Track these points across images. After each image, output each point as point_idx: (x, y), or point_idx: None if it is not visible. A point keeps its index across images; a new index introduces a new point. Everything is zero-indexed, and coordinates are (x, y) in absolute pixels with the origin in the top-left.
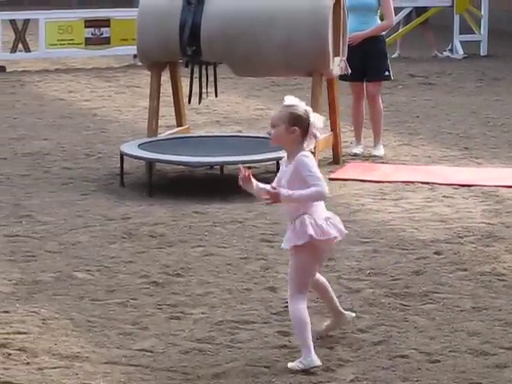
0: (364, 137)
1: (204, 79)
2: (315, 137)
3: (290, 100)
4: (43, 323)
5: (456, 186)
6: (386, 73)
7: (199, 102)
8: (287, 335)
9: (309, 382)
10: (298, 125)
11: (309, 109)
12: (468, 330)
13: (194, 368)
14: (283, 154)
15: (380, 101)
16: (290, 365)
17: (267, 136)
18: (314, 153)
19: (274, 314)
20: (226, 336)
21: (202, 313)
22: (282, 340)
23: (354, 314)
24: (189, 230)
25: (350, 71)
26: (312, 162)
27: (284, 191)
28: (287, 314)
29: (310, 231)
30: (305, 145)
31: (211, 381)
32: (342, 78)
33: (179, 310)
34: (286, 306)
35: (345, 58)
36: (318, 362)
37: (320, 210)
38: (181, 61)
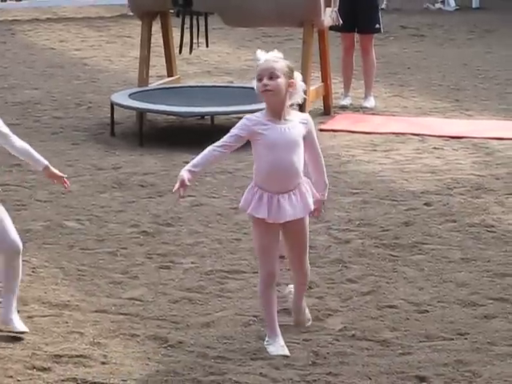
0: (354, 88)
1: (195, 29)
2: (303, 93)
3: (271, 53)
4: (33, 272)
5: (446, 138)
6: (377, 25)
7: (190, 52)
8: (276, 285)
9: (298, 331)
10: (293, 77)
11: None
12: (456, 281)
13: (183, 317)
14: None
15: (373, 53)
16: None
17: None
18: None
19: None
20: (216, 285)
21: (192, 262)
22: None
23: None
24: None
25: (341, 22)
26: None
27: (323, 194)
28: None
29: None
30: (288, 102)
31: (201, 329)
32: (333, 28)
33: (169, 260)
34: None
35: (336, 9)
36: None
37: None
38: (172, 10)
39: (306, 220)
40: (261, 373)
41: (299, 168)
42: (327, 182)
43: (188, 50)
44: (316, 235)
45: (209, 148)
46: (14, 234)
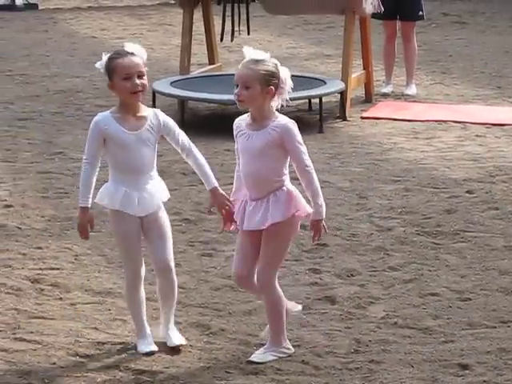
0: (396, 76)
1: (236, 17)
2: (285, 94)
3: (255, 53)
4: (76, 259)
5: (488, 125)
6: (420, 13)
7: (231, 40)
8: (318, 273)
9: (340, 318)
10: (273, 83)
11: (276, 61)
12: (499, 269)
13: (225, 304)
14: (315, 92)
15: (414, 40)
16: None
17: (236, 97)
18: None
19: (305, 251)
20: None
21: (234, 250)
22: (312, 277)
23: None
24: (220, 167)
25: (382, 9)
26: (298, 132)
27: (319, 212)
28: (318, 252)
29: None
30: (273, 104)
31: (242, 317)
32: (376, 16)
33: (211, 247)
34: (318, 244)
35: None
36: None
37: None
38: None
39: (272, 231)
40: (303, 360)
41: (265, 177)
42: (318, 200)
43: (229, 38)
44: (358, 223)
45: (235, 174)
46: (169, 252)
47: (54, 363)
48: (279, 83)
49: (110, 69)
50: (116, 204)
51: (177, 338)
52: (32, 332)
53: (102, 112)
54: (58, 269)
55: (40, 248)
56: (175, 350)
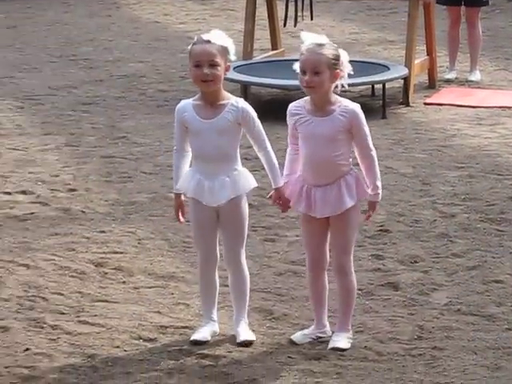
0: (459, 62)
1: (300, 2)
2: (345, 77)
3: (316, 37)
4: (139, 243)
5: None
6: None
7: (294, 25)
8: (381, 259)
9: (403, 305)
10: (338, 67)
11: (334, 44)
12: None
13: (288, 290)
14: (378, 77)
15: (479, 26)
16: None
17: (301, 84)
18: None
19: (368, 237)
20: None
21: (297, 235)
22: (375, 263)
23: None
24: (283, 153)
25: None
26: (363, 116)
27: (378, 195)
28: (381, 238)
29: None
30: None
31: (305, 302)
32: (440, 1)
33: (273, 233)
34: (381, 230)
35: None
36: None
37: None
38: None
39: (346, 215)
40: (365, 346)
41: (335, 162)
42: (378, 183)
43: (292, 23)
44: (421, 209)
45: (287, 157)
46: (238, 245)
47: (118, 346)
48: (342, 67)
49: (189, 54)
50: (189, 191)
51: (245, 334)
52: (96, 315)
53: (184, 99)
54: (121, 253)
55: (103, 232)
56: (243, 345)
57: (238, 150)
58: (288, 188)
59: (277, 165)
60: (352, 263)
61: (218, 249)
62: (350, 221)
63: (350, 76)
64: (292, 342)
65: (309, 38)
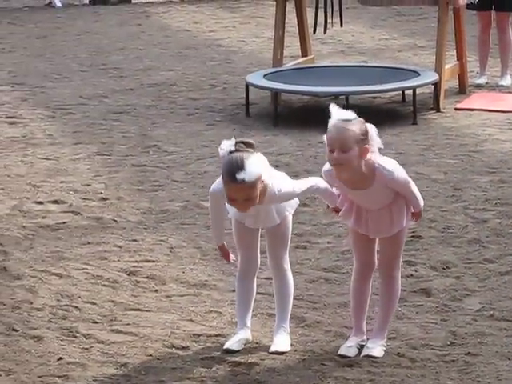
0: (490, 66)
1: (329, 9)
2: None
3: (343, 113)
4: (171, 251)
5: None
6: None
7: (324, 32)
8: (413, 265)
9: (436, 311)
10: (367, 141)
11: (362, 119)
12: None
13: (320, 297)
14: (408, 83)
15: (510, 31)
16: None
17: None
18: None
19: None
20: (352, 265)
21: (328, 242)
22: (408, 269)
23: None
24: (314, 160)
25: (476, 0)
26: (400, 169)
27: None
28: (413, 244)
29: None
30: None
31: (338, 309)
32: (470, 6)
33: (305, 240)
34: (413, 236)
35: None
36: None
37: None
38: None
39: (399, 233)
40: (398, 353)
41: (383, 203)
42: (421, 200)
43: (322, 30)
44: (453, 215)
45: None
46: (282, 252)
47: (151, 355)
48: (370, 140)
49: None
50: (231, 213)
51: (279, 345)
52: (128, 324)
53: (216, 185)
54: (153, 261)
55: (135, 240)
56: (276, 354)
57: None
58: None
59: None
60: (399, 270)
61: (259, 256)
62: (401, 235)
63: (378, 83)
64: (344, 357)
65: (336, 113)
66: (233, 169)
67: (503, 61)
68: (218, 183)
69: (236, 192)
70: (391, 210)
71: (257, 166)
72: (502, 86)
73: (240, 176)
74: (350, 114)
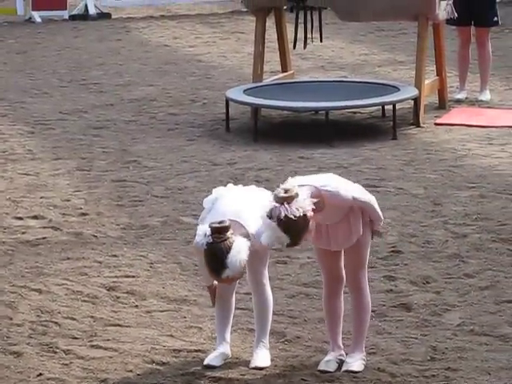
0: (470, 82)
1: (309, 24)
2: None
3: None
4: (151, 267)
5: None
6: (495, 18)
7: (304, 48)
8: (393, 280)
9: (416, 326)
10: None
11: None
12: None
13: (300, 312)
14: (388, 98)
15: (489, 47)
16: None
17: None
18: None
19: (380, 258)
20: None
21: (308, 257)
22: (387, 284)
23: None
24: (294, 175)
25: (456, 15)
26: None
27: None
28: (393, 259)
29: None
30: None
31: (318, 324)
32: (449, 22)
33: (285, 255)
34: (393, 251)
35: (451, 2)
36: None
37: None
38: (285, 6)
39: (359, 240)
40: (379, 368)
41: (339, 217)
42: (377, 215)
43: (302, 46)
44: (433, 230)
45: None
46: (258, 268)
47: (131, 370)
48: None
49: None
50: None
51: (259, 360)
52: (108, 339)
53: (199, 238)
54: (133, 276)
55: (115, 256)
56: (256, 369)
57: None
58: None
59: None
60: (366, 280)
61: None
62: (362, 242)
63: (358, 98)
64: (324, 372)
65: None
66: (216, 267)
67: (482, 76)
68: (200, 236)
69: (223, 282)
70: (349, 220)
71: (239, 257)
72: (482, 100)
73: (224, 274)
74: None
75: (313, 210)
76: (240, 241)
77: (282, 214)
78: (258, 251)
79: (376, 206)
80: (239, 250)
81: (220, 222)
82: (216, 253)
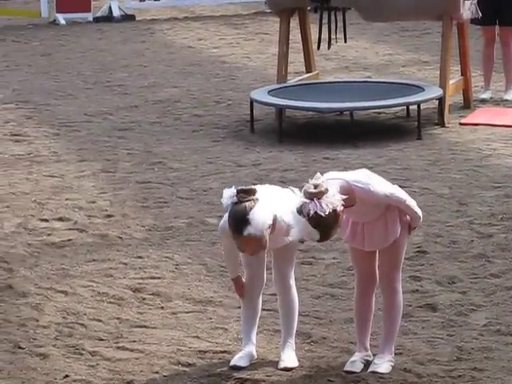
0: (494, 81)
1: (333, 25)
2: None
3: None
4: (176, 268)
5: None
6: None
7: (328, 48)
8: (419, 280)
9: (442, 326)
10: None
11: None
12: None
13: (326, 312)
14: (413, 98)
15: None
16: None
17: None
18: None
19: (406, 259)
20: None
21: (334, 258)
22: (413, 285)
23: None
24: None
25: (480, 15)
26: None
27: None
28: (419, 259)
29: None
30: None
31: (344, 325)
32: (474, 22)
33: (311, 256)
34: (418, 251)
35: (475, 2)
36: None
37: None
38: (309, 7)
39: (396, 242)
40: (405, 368)
41: (375, 215)
42: (418, 211)
43: (326, 46)
44: (458, 230)
45: None
46: (286, 268)
47: (157, 372)
48: None
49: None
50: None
51: (287, 361)
52: (134, 341)
53: (225, 222)
54: (158, 278)
55: (141, 257)
56: (285, 370)
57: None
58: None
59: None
60: (400, 281)
61: (265, 273)
62: (399, 244)
63: (382, 98)
64: (351, 373)
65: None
66: (238, 224)
67: (507, 75)
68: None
69: (244, 244)
70: (386, 220)
71: (262, 216)
72: (507, 100)
73: (246, 231)
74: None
75: (343, 205)
76: (265, 203)
77: (312, 211)
78: (285, 250)
79: (414, 204)
80: (263, 210)
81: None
82: (240, 209)
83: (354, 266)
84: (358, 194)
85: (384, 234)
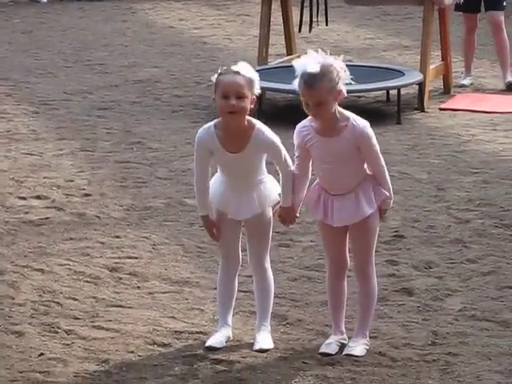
0: (475, 67)
1: (315, 8)
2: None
3: (310, 67)
4: (154, 248)
5: None
6: (504, 3)
7: (309, 31)
8: (395, 264)
9: (417, 310)
10: (337, 84)
11: (328, 59)
12: None
13: (302, 295)
14: (393, 83)
15: (504, 31)
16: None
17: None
18: None
19: (383, 243)
20: None
21: (311, 241)
22: (390, 269)
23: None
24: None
25: (461, 0)
26: (373, 133)
27: (384, 202)
28: (395, 243)
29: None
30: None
31: (319, 308)
32: (457, 8)
33: (288, 238)
34: (395, 236)
35: None
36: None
37: None
38: None
39: (366, 222)
40: (380, 352)
41: (350, 176)
42: (389, 193)
43: (307, 29)
44: (436, 215)
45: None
46: (262, 251)
47: (132, 351)
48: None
49: (215, 84)
50: (215, 203)
51: (263, 342)
52: (110, 320)
53: (205, 125)
54: (135, 258)
55: (118, 237)
56: (260, 352)
57: (264, 163)
58: (306, 195)
59: (289, 186)
60: (374, 267)
61: (240, 253)
62: (370, 226)
63: (363, 82)
64: (327, 355)
65: (303, 66)
66: (228, 68)
67: (503, 62)
68: (203, 128)
69: (229, 85)
70: (358, 194)
71: (250, 68)
72: (510, 82)
73: (235, 68)
74: (315, 66)
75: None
76: None
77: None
78: (260, 227)
79: (387, 175)
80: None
81: None
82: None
83: (325, 249)
84: (351, 128)
85: (355, 209)
